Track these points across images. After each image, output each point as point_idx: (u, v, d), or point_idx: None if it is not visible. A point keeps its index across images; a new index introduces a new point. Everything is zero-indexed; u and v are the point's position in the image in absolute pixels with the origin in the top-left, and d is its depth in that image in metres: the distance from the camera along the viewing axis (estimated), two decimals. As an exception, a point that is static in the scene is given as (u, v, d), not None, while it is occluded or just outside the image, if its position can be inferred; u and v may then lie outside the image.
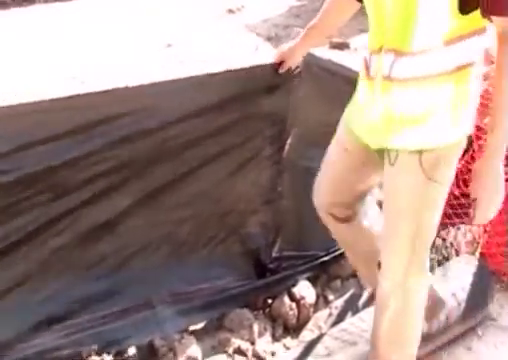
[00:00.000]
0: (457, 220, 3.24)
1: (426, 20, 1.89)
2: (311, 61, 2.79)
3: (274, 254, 3.01)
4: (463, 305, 2.76)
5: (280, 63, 2.64)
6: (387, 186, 2.18)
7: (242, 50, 5.79)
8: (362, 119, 2.19)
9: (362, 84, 2.21)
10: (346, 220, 2.50)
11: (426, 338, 2.59)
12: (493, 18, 1.89)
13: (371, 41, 2.11)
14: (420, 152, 2.04)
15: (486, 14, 1.88)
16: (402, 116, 2.04)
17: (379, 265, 2.25)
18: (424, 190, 2.09)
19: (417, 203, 2.10)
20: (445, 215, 2.97)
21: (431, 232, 2.18)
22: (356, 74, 2.96)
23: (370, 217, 2.57)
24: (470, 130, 2.08)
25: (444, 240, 3.31)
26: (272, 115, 2.81)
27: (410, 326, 2.31)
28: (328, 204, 2.48)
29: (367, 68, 2.14)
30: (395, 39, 1.97)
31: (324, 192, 2.48)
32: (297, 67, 2.71)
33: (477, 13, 1.88)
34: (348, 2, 2.39)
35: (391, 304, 2.25)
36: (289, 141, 2.88)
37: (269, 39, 6.38)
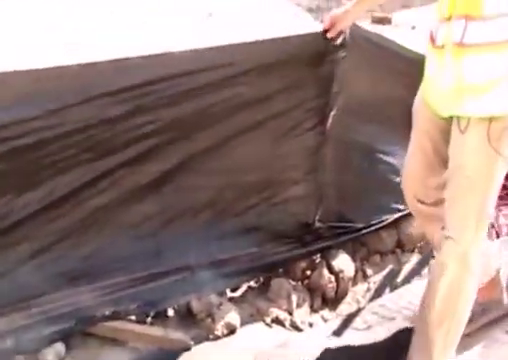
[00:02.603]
0: (500, 202, 3.20)
1: None
2: (357, 33, 2.75)
3: (315, 224, 2.97)
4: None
5: (327, 29, 2.61)
6: (456, 153, 2.20)
7: (282, 20, 5.73)
8: (433, 88, 2.21)
9: (430, 55, 2.23)
10: (435, 204, 2.48)
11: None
12: None
13: (441, 10, 2.14)
14: (490, 120, 2.05)
15: None
16: (473, 82, 2.05)
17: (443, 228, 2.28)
18: (490, 161, 2.12)
19: (483, 173, 2.13)
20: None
21: (492, 201, 2.21)
22: (401, 48, 2.96)
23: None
24: None
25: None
26: (317, 86, 2.77)
27: (465, 293, 2.28)
28: (414, 188, 2.50)
29: (433, 39, 2.17)
30: (466, 5, 2.00)
31: (412, 177, 2.49)
32: (342, 33, 2.66)
33: None
34: None
35: (450, 266, 2.24)
36: (333, 113, 2.83)
37: (310, 11, 6.30)
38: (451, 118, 2.20)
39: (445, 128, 2.27)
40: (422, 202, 2.49)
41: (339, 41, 2.67)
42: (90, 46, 2.38)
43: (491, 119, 2.06)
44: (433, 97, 2.25)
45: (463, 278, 2.25)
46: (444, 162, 2.39)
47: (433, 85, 2.23)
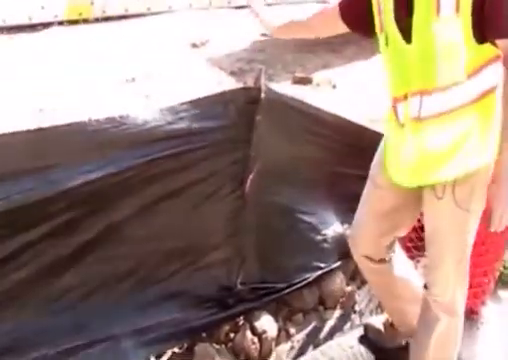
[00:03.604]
0: (416, 253, 3.31)
1: (445, 57, 2.04)
2: (273, 97, 2.83)
3: (237, 287, 3.01)
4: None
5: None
6: (432, 218, 2.36)
7: (205, 84, 5.83)
8: (396, 162, 2.34)
9: (392, 130, 2.35)
10: (381, 262, 2.63)
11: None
12: (498, 42, 2.04)
13: (394, 90, 2.26)
14: (454, 182, 2.19)
15: (492, 37, 2.03)
16: (436, 151, 2.18)
17: (425, 286, 2.46)
18: (462, 221, 2.28)
19: (458, 233, 2.30)
20: (405, 248, 3.03)
21: (469, 253, 2.37)
22: (317, 110, 3.05)
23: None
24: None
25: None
26: (234, 150, 2.84)
27: (455, 342, 2.53)
28: (365, 247, 2.61)
29: (396, 115, 2.28)
30: (420, 81, 2.12)
31: (364, 237, 2.60)
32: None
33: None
34: (336, 24, 2.48)
35: (442, 319, 2.43)
36: (251, 176, 2.90)
37: (232, 73, 6.42)
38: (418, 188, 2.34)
39: (408, 196, 2.41)
40: (370, 259, 2.62)
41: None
42: None
43: (455, 183, 2.20)
44: (396, 170, 2.36)
45: (453, 324, 2.48)
46: (400, 224, 2.57)
47: (395, 159, 2.34)
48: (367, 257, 2.62)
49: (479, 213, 2.31)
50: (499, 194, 2.18)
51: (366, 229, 2.59)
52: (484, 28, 2.00)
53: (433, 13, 2.00)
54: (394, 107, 2.29)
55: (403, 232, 2.64)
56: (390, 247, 2.64)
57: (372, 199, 2.55)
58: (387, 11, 2.15)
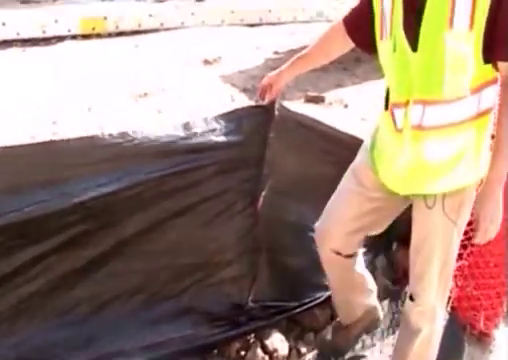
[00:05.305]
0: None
1: (454, 70, 2.04)
2: (286, 115, 2.84)
3: (248, 304, 2.99)
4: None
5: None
6: (422, 227, 2.38)
7: (217, 101, 5.85)
8: (390, 168, 2.33)
9: (389, 137, 2.32)
10: (347, 257, 2.65)
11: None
12: (499, 64, 2.07)
13: (395, 96, 2.23)
14: (445, 194, 2.23)
15: (500, 58, 2.06)
16: (433, 163, 2.19)
17: (411, 297, 2.47)
18: (448, 232, 2.32)
19: (444, 242, 2.34)
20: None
21: (453, 265, 2.44)
22: (330, 128, 3.05)
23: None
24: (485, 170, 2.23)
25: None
26: (247, 168, 2.83)
27: (435, 348, 2.54)
28: (335, 242, 2.60)
29: (394, 121, 2.26)
30: (424, 91, 2.12)
31: (334, 230, 2.60)
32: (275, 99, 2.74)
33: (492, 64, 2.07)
34: (343, 40, 2.49)
35: (424, 328, 2.46)
36: (264, 194, 2.89)
37: (245, 90, 6.43)
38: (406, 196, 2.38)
39: (393, 199, 2.44)
40: (338, 253, 2.62)
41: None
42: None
43: (445, 195, 2.23)
44: (389, 176, 2.36)
45: (434, 333, 2.51)
46: (376, 224, 2.58)
47: (389, 165, 2.34)
48: (335, 251, 2.62)
49: (463, 227, 2.38)
50: (485, 209, 2.21)
51: (340, 225, 2.57)
52: (493, 48, 2.02)
53: (446, 25, 2.01)
54: (392, 114, 2.27)
55: (377, 231, 2.64)
56: (360, 243, 2.67)
57: (352, 196, 2.54)
58: (396, 16, 2.14)
